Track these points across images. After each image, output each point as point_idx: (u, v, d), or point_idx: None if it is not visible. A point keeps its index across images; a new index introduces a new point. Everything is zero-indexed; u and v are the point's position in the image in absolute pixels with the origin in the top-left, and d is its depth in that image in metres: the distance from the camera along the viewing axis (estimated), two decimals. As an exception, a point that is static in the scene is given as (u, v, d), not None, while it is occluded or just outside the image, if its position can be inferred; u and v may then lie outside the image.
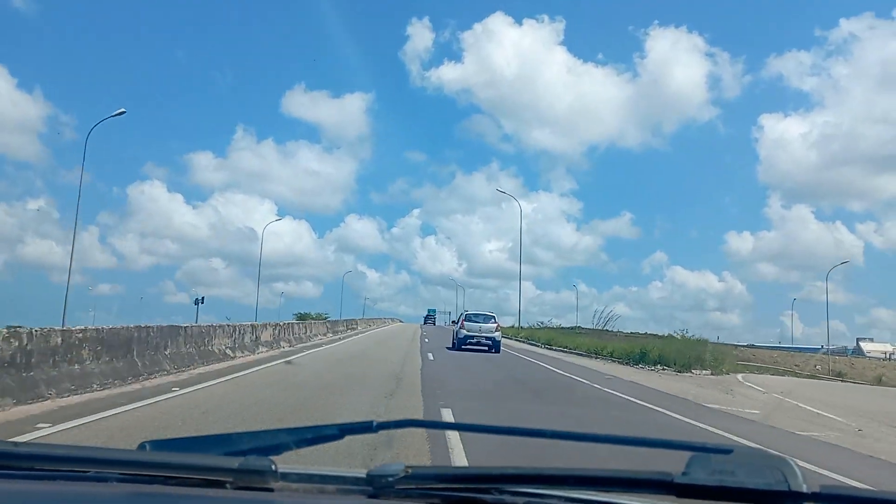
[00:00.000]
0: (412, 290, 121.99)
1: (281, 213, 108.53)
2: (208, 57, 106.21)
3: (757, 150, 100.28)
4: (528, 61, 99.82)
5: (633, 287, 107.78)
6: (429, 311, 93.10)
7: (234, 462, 1.13)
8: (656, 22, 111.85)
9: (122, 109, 34.12)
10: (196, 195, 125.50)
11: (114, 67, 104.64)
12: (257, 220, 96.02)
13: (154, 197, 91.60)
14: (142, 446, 1.26)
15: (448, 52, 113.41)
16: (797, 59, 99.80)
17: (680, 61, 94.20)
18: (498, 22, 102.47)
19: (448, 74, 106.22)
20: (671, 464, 1.03)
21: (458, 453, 5.30)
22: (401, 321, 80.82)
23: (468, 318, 26.35)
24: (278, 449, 1.25)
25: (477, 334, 24.99)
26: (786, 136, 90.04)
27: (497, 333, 25.50)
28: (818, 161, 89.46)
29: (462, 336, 25.11)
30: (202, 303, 46.89)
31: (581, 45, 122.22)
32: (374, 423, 1.30)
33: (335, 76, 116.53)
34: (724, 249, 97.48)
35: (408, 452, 5.08)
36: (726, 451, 1.05)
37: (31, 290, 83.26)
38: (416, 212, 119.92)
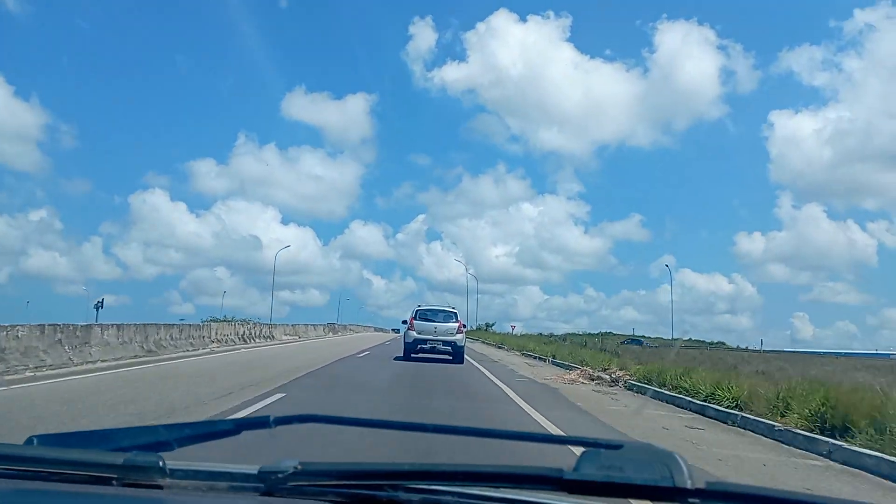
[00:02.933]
0: (418, 296, 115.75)
1: (285, 221, 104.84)
2: (206, 61, 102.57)
3: (768, 148, 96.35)
4: (535, 59, 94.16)
5: (642, 291, 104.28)
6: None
7: (120, 458, 1.11)
8: (665, 15, 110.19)
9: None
10: (199, 203, 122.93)
11: (111, 74, 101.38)
12: (261, 227, 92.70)
13: (156, 206, 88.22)
14: (29, 441, 1.23)
15: (452, 51, 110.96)
16: (810, 53, 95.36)
17: (690, 55, 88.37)
18: (502, 19, 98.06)
19: (452, 74, 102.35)
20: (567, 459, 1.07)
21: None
22: (382, 329, 75.88)
23: (420, 315, 19.10)
24: (171, 445, 1.24)
25: (431, 338, 18.32)
26: (797, 133, 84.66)
27: (459, 336, 18.65)
28: (831, 158, 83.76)
29: (411, 341, 18.63)
30: (101, 307, 44.29)
31: (588, 41, 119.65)
32: (272, 418, 1.30)
33: (336, 78, 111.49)
34: (734, 251, 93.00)
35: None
36: (617, 447, 1.07)
37: (35, 301, 79.64)
38: (421, 217, 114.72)
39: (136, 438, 1.24)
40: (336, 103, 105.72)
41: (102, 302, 45.36)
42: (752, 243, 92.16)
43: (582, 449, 1.07)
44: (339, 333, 49.42)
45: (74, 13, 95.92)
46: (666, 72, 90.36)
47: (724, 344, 64.54)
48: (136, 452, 1.12)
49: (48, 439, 1.26)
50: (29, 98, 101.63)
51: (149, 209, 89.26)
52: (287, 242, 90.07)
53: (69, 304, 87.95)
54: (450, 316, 19.23)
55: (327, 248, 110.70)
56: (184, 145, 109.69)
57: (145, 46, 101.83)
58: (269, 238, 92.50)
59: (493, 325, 62.54)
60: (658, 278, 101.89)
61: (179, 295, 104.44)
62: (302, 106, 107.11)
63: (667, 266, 63.13)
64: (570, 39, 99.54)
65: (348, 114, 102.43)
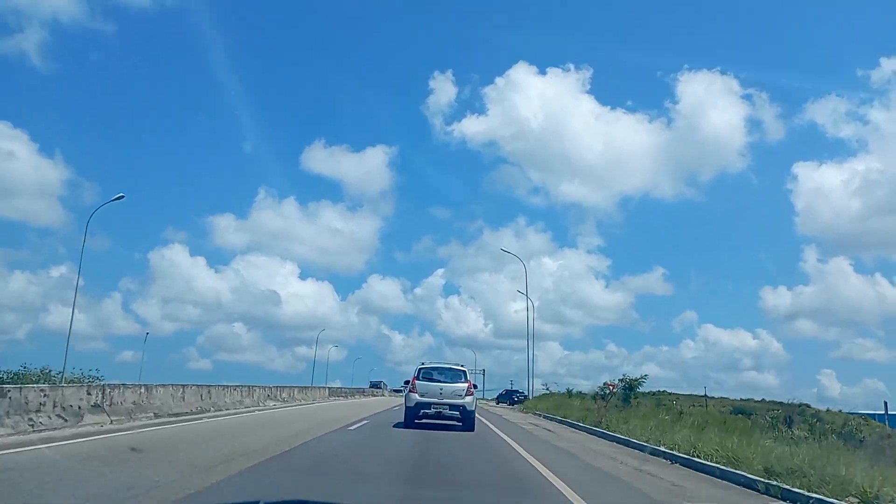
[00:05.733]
0: (437, 351, 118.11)
1: (303, 275, 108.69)
2: (226, 116, 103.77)
3: (793, 200, 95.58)
4: (555, 111, 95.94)
5: (665, 346, 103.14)
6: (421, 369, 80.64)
7: None
8: (686, 66, 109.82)
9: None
10: (218, 258, 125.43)
11: (132, 130, 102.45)
12: (280, 282, 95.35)
13: (176, 261, 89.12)
14: None
15: (472, 104, 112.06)
16: (836, 103, 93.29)
17: (714, 105, 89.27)
18: (522, 72, 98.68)
19: (473, 127, 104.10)
20: None
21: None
22: (369, 391, 65.34)
23: (423, 374, 16.82)
24: None
25: (436, 401, 16.18)
26: (824, 184, 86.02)
27: (469, 398, 16.37)
28: (860, 210, 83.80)
29: (413, 405, 16.38)
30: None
31: (609, 92, 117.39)
32: (262, 503, 1.55)
33: (355, 131, 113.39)
34: (760, 306, 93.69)
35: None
36: None
37: (56, 358, 73.95)
38: (440, 271, 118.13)
39: None
40: (355, 156, 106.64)
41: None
42: (777, 298, 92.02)
43: None
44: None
45: (96, 71, 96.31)
46: (689, 122, 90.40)
47: (808, 406, 54.11)
48: None
49: None
50: (53, 155, 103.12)
51: (168, 265, 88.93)
52: (309, 299, 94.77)
53: (90, 360, 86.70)
54: (458, 375, 16.76)
55: (345, 302, 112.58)
56: (204, 201, 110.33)
57: (166, 102, 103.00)
58: (288, 293, 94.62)
59: (642, 381, 28.73)
60: (681, 333, 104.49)
61: (197, 351, 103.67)
62: (321, 160, 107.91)
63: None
64: (590, 91, 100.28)
65: (367, 167, 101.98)
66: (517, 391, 60.45)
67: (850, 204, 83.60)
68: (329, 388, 40.93)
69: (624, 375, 25.92)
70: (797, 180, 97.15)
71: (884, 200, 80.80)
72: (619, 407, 23.09)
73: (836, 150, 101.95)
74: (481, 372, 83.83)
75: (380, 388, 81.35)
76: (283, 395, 28.62)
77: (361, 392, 63.72)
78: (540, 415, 29.22)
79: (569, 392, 38.55)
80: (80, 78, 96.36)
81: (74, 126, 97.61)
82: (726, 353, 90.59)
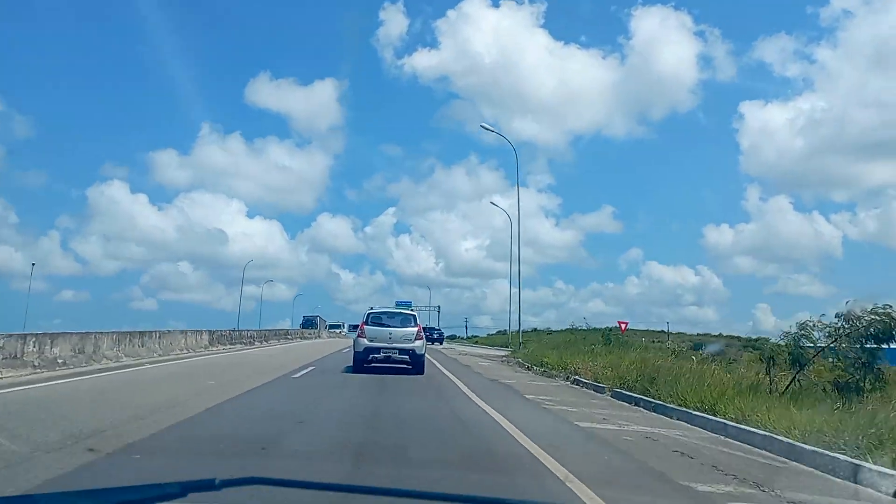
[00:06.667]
0: (387, 290, 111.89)
1: (251, 214, 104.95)
2: (166, 45, 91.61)
3: (738, 140, 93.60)
4: (508, 46, 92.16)
5: (611, 283, 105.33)
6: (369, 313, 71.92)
7: None
8: (639, 0, 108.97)
9: None
10: (160, 196, 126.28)
11: (66, 61, 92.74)
12: (226, 221, 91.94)
13: (116, 199, 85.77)
14: None
15: (423, 38, 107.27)
16: (785, 41, 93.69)
17: (667, 41, 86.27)
18: (474, 4, 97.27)
19: (424, 61, 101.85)
20: None
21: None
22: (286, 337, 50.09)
23: (372, 319, 16.27)
24: None
25: (385, 345, 15.58)
26: (769, 123, 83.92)
27: (418, 343, 15.84)
28: (803, 149, 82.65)
29: (362, 349, 15.63)
30: None
31: (563, 27, 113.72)
32: (218, 481, 1.32)
33: (303, 63, 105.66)
34: (702, 243, 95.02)
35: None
36: None
37: None
38: (391, 210, 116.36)
39: (88, 499, 1.27)
40: (303, 90, 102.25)
41: None
42: (720, 235, 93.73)
43: None
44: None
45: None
46: (642, 59, 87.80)
47: (767, 340, 50.96)
48: None
49: (11, 501, 1.06)
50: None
51: (108, 202, 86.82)
52: (258, 237, 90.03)
53: (25, 300, 71.44)
54: (407, 319, 16.48)
55: (294, 241, 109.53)
56: (143, 136, 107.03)
57: (102, 31, 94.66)
58: (235, 231, 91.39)
59: None
60: (626, 270, 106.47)
61: (141, 290, 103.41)
62: (267, 93, 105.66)
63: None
64: (544, 26, 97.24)
65: (316, 101, 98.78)
66: (434, 328, 60.57)
67: (793, 143, 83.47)
68: (211, 331, 25.85)
69: (861, 308, 9.93)
70: (743, 119, 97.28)
71: (826, 139, 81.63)
72: (843, 385, 9.08)
73: (782, 89, 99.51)
74: (436, 309, 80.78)
75: (315, 326, 65.95)
76: (56, 349, 13.46)
77: (284, 334, 48.19)
78: (590, 385, 14.06)
79: (605, 336, 23.17)
80: (6, 8, 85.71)
81: (2, 57, 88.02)
82: (669, 290, 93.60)
